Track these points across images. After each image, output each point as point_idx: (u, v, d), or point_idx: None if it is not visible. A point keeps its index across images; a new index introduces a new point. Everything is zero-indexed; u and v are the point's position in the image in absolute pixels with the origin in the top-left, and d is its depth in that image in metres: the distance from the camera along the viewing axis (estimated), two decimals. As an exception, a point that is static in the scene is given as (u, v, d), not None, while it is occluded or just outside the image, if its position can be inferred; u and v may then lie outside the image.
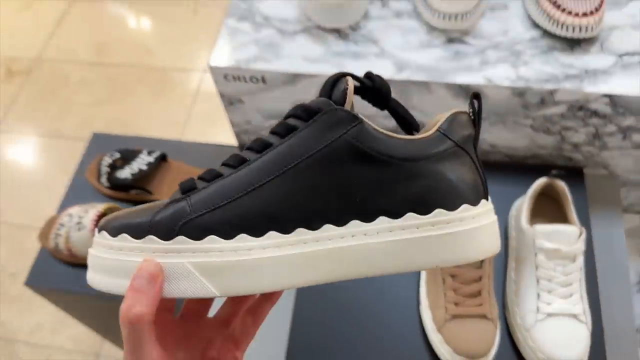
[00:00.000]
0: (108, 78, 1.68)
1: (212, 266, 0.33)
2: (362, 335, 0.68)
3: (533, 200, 0.70)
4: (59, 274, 0.81)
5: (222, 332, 0.41)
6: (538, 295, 0.64)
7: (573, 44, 0.70)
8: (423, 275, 0.69)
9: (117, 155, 0.85)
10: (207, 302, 0.42)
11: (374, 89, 0.38)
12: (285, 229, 0.34)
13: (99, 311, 0.88)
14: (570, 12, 0.68)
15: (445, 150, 0.35)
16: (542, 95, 0.68)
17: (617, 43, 0.70)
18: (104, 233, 0.35)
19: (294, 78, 0.72)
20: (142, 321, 0.31)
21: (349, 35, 0.73)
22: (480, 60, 0.70)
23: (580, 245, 0.63)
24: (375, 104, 0.39)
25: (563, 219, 0.69)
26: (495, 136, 0.76)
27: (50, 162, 1.55)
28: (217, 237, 0.34)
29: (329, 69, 0.70)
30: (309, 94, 0.73)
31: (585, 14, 0.67)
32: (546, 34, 0.71)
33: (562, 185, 0.69)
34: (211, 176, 0.36)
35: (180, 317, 0.41)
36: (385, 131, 0.35)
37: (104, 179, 0.84)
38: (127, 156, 0.85)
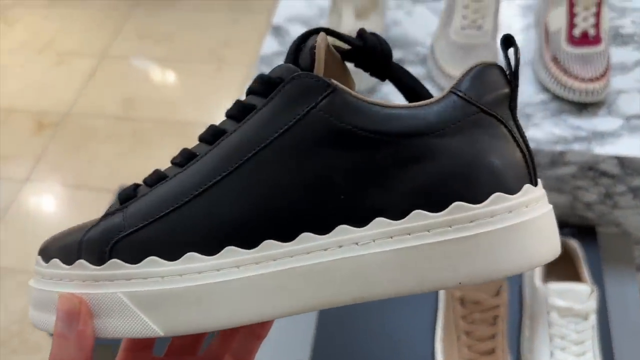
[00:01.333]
0: (134, 131, 1.75)
1: (151, 296, 0.26)
2: (377, 390, 0.68)
3: (546, 258, 0.71)
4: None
5: None
6: (551, 353, 0.64)
7: (581, 107, 0.73)
8: (439, 332, 0.70)
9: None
10: (196, 337, 0.35)
11: (367, 50, 0.29)
12: (248, 243, 0.26)
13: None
14: (577, 77, 0.71)
15: (464, 118, 0.26)
16: (552, 157, 0.70)
17: (624, 106, 0.72)
18: (39, 259, 0.30)
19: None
20: None
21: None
22: (492, 122, 0.73)
23: (592, 304, 0.64)
24: (372, 73, 0.31)
25: (576, 277, 0.70)
26: (508, 194, 0.78)
27: (77, 211, 1.60)
28: (158, 259, 0.26)
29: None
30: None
31: (592, 79, 0.71)
32: (555, 97, 0.74)
33: (574, 244, 0.71)
34: (154, 179, 0.29)
35: (165, 356, 0.34)
36: (371, 99, 0.27)
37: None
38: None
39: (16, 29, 2.18)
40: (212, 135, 0.29)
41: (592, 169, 0.71)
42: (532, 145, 0.69)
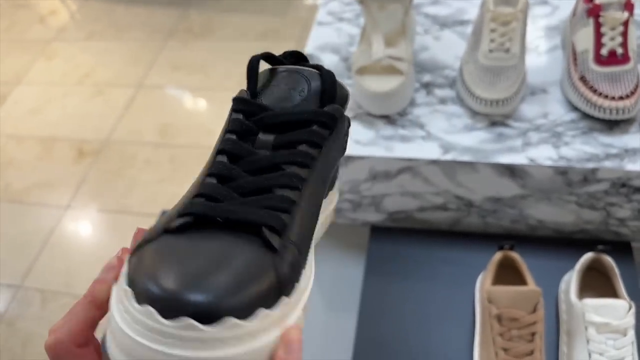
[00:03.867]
0: (171, 158, 1.80)
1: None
2: (416, 407, 0.69)
3: (581, 274, 0.72)
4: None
5: None
6: (591, 369, 0.65)
7: (612, 124, 0.74)
8: (476, 349, 0.71)
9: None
10: None
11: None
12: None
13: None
14: (607, 96, 0.72)
15: None
16: (584, 174, 0.72)
17: (655, 123, 0.73)
18: (235, 322, 0.25)
19: (346, 160, 0.78)
20: (57, 345, 0.28)
21: (396, 120, 0.80)
22: (523, 141, 0.74)
23: (630, 319, 0.65)
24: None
25: (612, 293, 0.71)
26: (542, 212, 0.79)
27: (117, 237, 1.65)
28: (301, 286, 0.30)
29: (379, 151, 0.76)
30: (360, 174, 0.79)
31: (622, 97, 0.72)
32: (585, 115, 0.76)
33: (609, 259, 0.71)
34: (287, 204, 0.30)
35: None
36: None
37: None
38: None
39: (56, 63, 2.27)
40: (306, 160, 0.33)
41: (625, 185, 0.72)
42: (563, 163, 0.71)
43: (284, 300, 0.27)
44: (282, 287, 0.27)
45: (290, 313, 0.27)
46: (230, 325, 0.24)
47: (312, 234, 0.32)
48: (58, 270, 1.59)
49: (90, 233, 1.70)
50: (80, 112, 2.04)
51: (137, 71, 2.14)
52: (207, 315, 0.24)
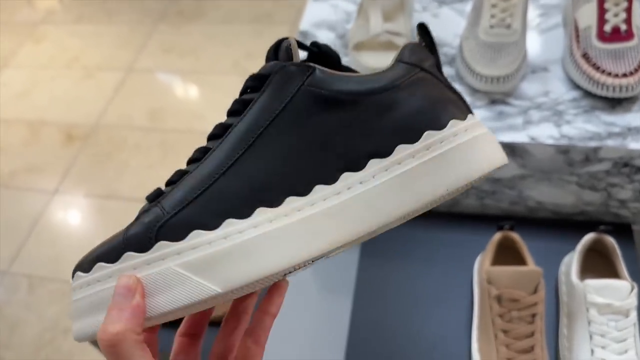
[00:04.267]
0: (161, 142, 1.77)
1: (204, 261, 0.29)
2: (413, 390, 0.68)
3: (582, 255, 0.71)
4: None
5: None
6: (592, 351, 0.63)
7: (614, 103, 0.72)
8: (475, 331, 0.69)
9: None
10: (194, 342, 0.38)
11: (321, 55, 0.37)
12: (273, 202, 0.31)
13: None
14: (610, 74, 0.70)
15: (412, 75, 0.34)
16: (586, 153, 0.70)
17: (659, 102, 0.72)
18: (78, 273, 0.32)
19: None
20: (121, 339, 0.27)
21: (395, 98, 0.77)
22: (524, 120, 0.72)
23: (632, 300, 0.63)
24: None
25: (613, 274, 0.69)
26: (542, 193, 0.78)
27: (106, 222, 1.62)
28: (201, 231, 0.30)
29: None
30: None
31: (625, 75, 0.70)
32: (587, 93, 0.74)
33: (611, 240, 0.70)
34: (177, 176, 0.33)
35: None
36: (343, 72, 0.34)
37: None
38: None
39: (44, 46, 2.23)
40: (221, 130, 0.34)
41: (627, 165, 0.70)
42: (564, 142, 0.69)
43: (129, 255, 0.30)
44: (128, 244, 0.30)
45: (140, 267, 0.30)
46: (76, 277, 0.32)
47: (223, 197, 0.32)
48: (46, 255, 1.56)
49: (79, 218, 1.67)
50: (69, 96, 2.01)
51: (127, 55, 2.11)
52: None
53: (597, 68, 0.71)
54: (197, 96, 1.96)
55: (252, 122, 0.33)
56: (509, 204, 0.81)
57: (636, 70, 0.70)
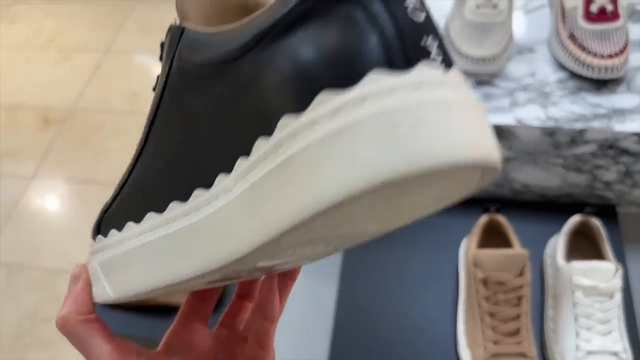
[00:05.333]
0: (140, 126, 1.74)
1: (108, 263, 0.29)
2: (400, 374, 0.68)
3: (568, 237, 0.71)
4: (100, 316, 0.82)
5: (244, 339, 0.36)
6: (577, 332, 0.63)
7: (600, 84, 0.72)
8: (461, 314, 0.69)
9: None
10: (245, 303, 0.37)
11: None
12: (159, 207, 0.26)
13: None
14: (596, 54, 0.70)
15: (290, 13, 0.20)
16: (572, 135, 0.69)
17: (644, 83, 0.71)
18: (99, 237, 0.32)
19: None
20: (65, 321, 0.30)
21: (380, 80, 0.76)
22: (510, 101, 0.72)
23: (617, 282, 0.63)
24: None
25: (598, 256, 0.69)
26: (527, 175, 0.77)
27: (85, 207, 1.59)
28: (114, 230, 0.29)
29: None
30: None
31: (610, 56, 0.70)
32: (573, 75, 0.73)
33: (596, 222, 0.70)
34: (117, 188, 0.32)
35: (217, 329, 0.36)
36: (217, 29, 0.23)
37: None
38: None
39: (18, 27, 2.17)
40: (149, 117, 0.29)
41: (613, 147, 0.70)
42: (550, 123, 0.69)
43: (93, 241, 0.31)
44: (94, 229, 0.32)
45: (91, 255, 0.31)
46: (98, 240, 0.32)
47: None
48: (24, 242, 1.53)
49: (57, 204, 1.64)
50: (45, 79, 1.96)
51: (104, 35, 2.06)
52: None
53: (583, 49, 0.71)
54: (177, 78, 1.93)
55: (151, 108, 0.27)
56: (494, 186, 0.80)
57: (622, 51, 0.70)
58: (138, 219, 0.27)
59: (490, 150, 0.19)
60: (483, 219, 0.72)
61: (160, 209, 0.26)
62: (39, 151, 1.73)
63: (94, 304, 0.30)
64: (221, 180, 0.22)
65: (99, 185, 1.62)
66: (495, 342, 0.64)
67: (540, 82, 0.73)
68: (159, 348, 0.34)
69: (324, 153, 0.18)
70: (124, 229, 0.28)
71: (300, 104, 0.19)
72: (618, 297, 0.64)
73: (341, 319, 0.72)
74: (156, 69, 1.95)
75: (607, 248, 0.68)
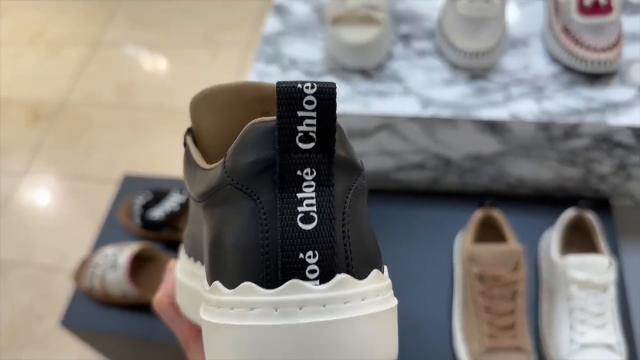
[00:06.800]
0: (132, 120, 1.72)
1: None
2: (396, 370, 0.68)
3: (562, 231, 0.71)
4: (94, 314, 0.82)
5: None
6: (571, 326, 0.64)
7: (593, 78, 0.72)
8: (456, 309, 0.69)
9: (150, 195, 0.88)
10: None
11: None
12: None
13: (133, 351, 0.89)
14: (589, 48, 0.70)
15: (218, 190, 0.24)
16: (566, 129, 0.70)
17: (637, 76, 0.71)
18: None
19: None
20: (158, 303, 0.37)
21: (373, 75, 0.76)
22: (504, 96, 0.72)
23: (611, 275, 0.64)
24: None
25: (592, 249, 0.70)
26: (522, 170, 0.77)
27: (76, 203, 1.58)
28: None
29: (355, 108, 0.73)
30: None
31: (604, 49, 0.69)
32: (567, 69, 0.73)
33: (590, 216, 0.70)
34: None
35: None
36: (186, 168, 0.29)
37: (137, 219, 0.86)
38: (159, 196, 0.88)
39: (5, 21, 2.14)
40: None
41: (606, 140, 0.70)
42: (544, 118, 0.69)
43: None
44: None
45: None
46: None
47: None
48: (16, 239, 1.52)
49: (49, 200, 1.62)
50: (34, 73, 1.93)
51: (92, 28, 2.04)
52: None
53: (577, 42, 0.71)
54: (166, 71, 1.91)
55: None
56: (489, 180, 0.81)
57: (615, 45, 0.70)
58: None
59: None
60: (478, 213, 0.72)
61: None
62: (30, 147, 1.72)
63: None
64: None
65: (90, 181, 1.61)
66: (491, 337, 0.64)
67: (534, 76, 0.73)
68: None
69: (214, 341, 0.23)
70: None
71: (226, 283, 0.23)
72: (612, 290, 0.64)
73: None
74: (146, 61, 1.93)
75: (601, 242, 0.69)
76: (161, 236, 0.86)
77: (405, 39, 0.79)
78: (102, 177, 1.59)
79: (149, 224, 0.85)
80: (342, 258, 0.22)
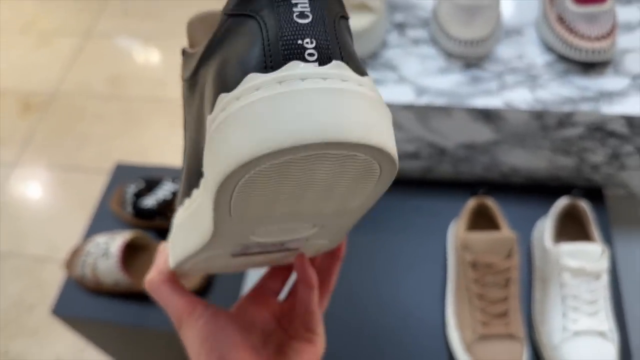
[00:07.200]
0: (124, 110, 1.71)
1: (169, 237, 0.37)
2: (389, 358, 0.68)
3: (556, 219, 0.71)
4: (85, 303, 0.82)
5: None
6: (564, 313, 0.64)
7: (588, 67, 0.72)
8: (449, 296, 0.69)
9: (142, 184, 0.87)
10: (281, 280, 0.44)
11: None
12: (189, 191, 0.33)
13: (125, 340, 0.88)
14: (584, 37, 0.70)
15: (221, 28, 0.27)
16: (559, 118, 0.70)
17: (631, 65, 0.72)
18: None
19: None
20: (151, 282, 0.38)
21: (368, 63, 0.76)
22: (498, 84, 0.72)
23: (603, 263, 0.64)
24: None
25: (585, 238, 0.70)
26: (515, 159, 0.77)
27: (67, 194, 1.57)
28: (180, 208, 0.35)
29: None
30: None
31: (598, 38, 0.70)
32: (561, 58, 0.73)
33: (583, 204, 0.70)
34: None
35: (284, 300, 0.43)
36: (190, 50, 0.31)
37: (129, 208, 0.85)
38: (152, 185, 0.87)
39: (-5, 10, 2.12)
40: None
41: (600, 129, 0.70)
42: (538, 106, 0.69)
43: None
44: None
45: None
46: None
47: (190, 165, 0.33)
48: (8, 230, 1.51)
49: (41, 191, 1.61)
50: (25, 64, 1.92)
51: (85, 19, 2.02)
52: None
53: (572, 31, 0.71)
54: (159, 61, 1.90)
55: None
56: (482, 170, 0.81)
57: (610, 34, 0.70)
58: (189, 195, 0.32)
59: (341, 132, 0.23)
60: (471, 202, 0.72)
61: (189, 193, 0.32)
62: (21, 138, 1.70)
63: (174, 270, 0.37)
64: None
65: (82, 172, 1.60)
66: (484, 324, 0.64)
67: (528, 64, 0.73)
68: (232, 309, 0.40)
69: (220, 137, 0.24)
70: (183, 206, 0.33)
71: (233, 84, 0.24)
72: (605, 278, 0.65)
73: (330, 303, 0.72)
74: (138, 52, 1.92)
75: (595, 230, 0.69)
76: (153, 225, 0.85)
77: (400, 27, 0.79)
78: (94, 167, 1.58)
79: (141, 213, 0.84)
80: (337, 50, 0.25)
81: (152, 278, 0.38)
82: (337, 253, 0.42)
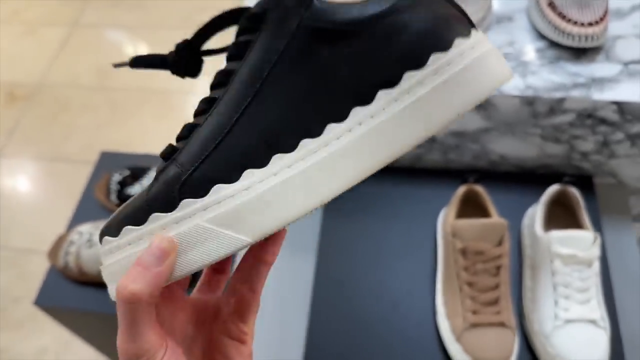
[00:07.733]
0: (110, 101, 1.69)
1: (230, 214, 0.30)
2: (378, 347, 0.67)
3: (546, 207, 0.70)
4: (69, 293, 0.80)
5: (226, 306, 0.36)
6: (555, 301, 0.64)
7: (579, 53, 0.71)
8: (439, 284, 0.69)
9: (127, 172, 0.86)
10: (220, 276, 0.39)
11: None
12: (288, 147, 0.31)
13: (109, 330, 0.87)
14: (575, 22, 0.69)
15: None
16: (551, 104, 0.69)
17: (622, 51, 0.71)
18: (107, 238, 0.32)
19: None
20: (137, 299, 0.28)
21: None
22: (489, 70, 0.71)
23: (595, 251, 0.63)
24: None
25: (576, 225, 0.69)
26: (505, 146, 0.77)
27: (53, 185, 1.55)
28: (222, 184, 0.30)
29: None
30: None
31: (590, 24, 0.69)
32: (552, 44, 0.72)
33: (574, 192, 0.70)
34: (187, 131, 0.32)
35: (194, 294, 0.38)
36: (339, 1, 0.32)
37: (113, 197, 0.84)
38: (137, 173, 0.86)
39: (-20, -1, 2.08)
40: (223, 77, 0.32)
41: (591, 116, 0.70)
42: (530, 93, 0.68)
43: (156, 215, 0.30)
44: (152, 205, 0.30)
45: (169, 226, 0.30)
46: (105, 242, 0.32)
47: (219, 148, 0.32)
48: (-9, 222, 1.49)
49: (26, 182, 1.59)
50: (10, 53, 1.89)
51: (71, 8, 1.99)
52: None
53: (563, 17, 0.70)
54: (146, 51, 1.87)
55: (255, 66, 0.32)
56: (472, 158, 0.80)
57: (601, 19, 0.69)
58: (262, 164, 0.30)
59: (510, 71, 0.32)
60: (461, 189, 0.71)
61: (290, 148, 0.31)
62: (6, 128, 1.68)
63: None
64: (359, 111, 0.31)
65: (68, 162, 1.57)
66: (474, 312, 0.63)
67: (519, 51, 0.72)
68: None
69: (476, 69, 0.30)
70: (243, 177, 0.30)
71: (444, 45, 0.30)
72: (596, 266, 0.64)
73: (320, 292, 0.71)
74: (125, 42, 1.90)
75: (585, 218, 0.68)
76: (139, 214, 0.84)
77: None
78: (80, 158, 1.56)
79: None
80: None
81: (139, 295, 0.28)
82: (268, 258, 0.35)
